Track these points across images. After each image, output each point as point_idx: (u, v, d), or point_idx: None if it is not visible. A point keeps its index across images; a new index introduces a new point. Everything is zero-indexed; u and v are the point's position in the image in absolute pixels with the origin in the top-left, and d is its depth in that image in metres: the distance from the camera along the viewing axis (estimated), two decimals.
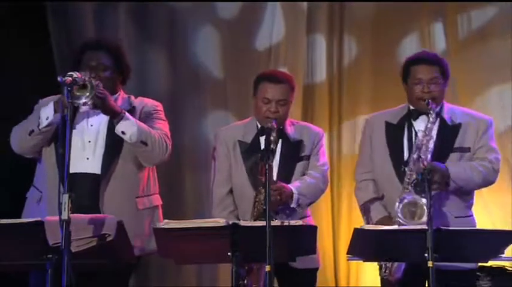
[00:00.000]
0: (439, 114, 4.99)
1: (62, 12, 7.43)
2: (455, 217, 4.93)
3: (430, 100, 4.90)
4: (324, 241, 7.20)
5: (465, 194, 5.02)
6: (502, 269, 6.59)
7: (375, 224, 5.00)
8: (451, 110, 5.12)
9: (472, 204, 5.13)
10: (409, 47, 7.73)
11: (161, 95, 7.38)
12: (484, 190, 6.32)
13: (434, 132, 4.96)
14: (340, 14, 7.96)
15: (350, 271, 7.23)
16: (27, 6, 7.53)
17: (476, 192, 5.87)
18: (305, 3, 7.86)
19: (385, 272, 4.90)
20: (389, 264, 4.87)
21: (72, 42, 7.18)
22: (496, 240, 4.55)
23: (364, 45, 7.90)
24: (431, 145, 4.91)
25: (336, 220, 7.29)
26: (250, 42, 7.75)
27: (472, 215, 5.08)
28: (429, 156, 4.87)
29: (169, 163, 7.00)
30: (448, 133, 5.01)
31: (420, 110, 5.03)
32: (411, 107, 5.09)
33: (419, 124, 5.01)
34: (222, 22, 7.75)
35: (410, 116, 5.08)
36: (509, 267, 6.72)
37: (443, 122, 5.01)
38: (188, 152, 7.16)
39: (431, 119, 4.93)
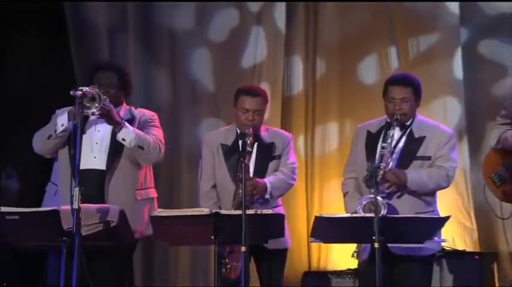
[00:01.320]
0: (408, 127, 4.99)
1: (82, 37, 7.39)
2: (416, 213, 4.84)
3: (398, 117, 4.90)
4: (299, 226, 7.25)
5: (425, 194, 4.98)
6: (455, 252, 6.63)
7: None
8: (421, 123, 5.08)
9: (434, 201, 5.06)
10: (369, 66, 7.79)
11: (163, 105, 7.53)
12: None
13: (401, 143, 4.94)
14: (313, 38, 7.96)
15: (321, 252, 7.21)
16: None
17: None
18: (283, 29, 7.84)
19: (355, 253, 4.93)
20: (357, 248, 4.88)
21: (89, 60, 7.14)
22: (429, 225, 4.61)
23: (333, 64, 7.87)
24: (396, 152, 4.92)
25: (310, 209, 7.30)
26: (237, 61, 7.73)
27: (433, 211, 5.01)
28: (390, 162, 4.86)
29: (170, 162, 7.13)
30: (413, 143, 4.97)
31: (391, 124, 5.02)
32: (388, 120, 5.06)
33: (396, 132, 4.99)
34: (213, 45, 7.74)
35: (387, 127, 5.03)
36: (447, 247, 6.64)
37: (410, 133, 4.99)
38: (185, 153, 7.14)
39: (392, 131, 4.93)
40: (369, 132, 5.11)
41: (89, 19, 7.44)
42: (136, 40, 7.57)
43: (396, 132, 4.92)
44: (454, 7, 7.47)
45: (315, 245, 7.16)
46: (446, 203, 6.92)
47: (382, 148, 4.89)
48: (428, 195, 4.94)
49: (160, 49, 7.68)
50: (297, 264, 7.22)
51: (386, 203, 4.71)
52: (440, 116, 7.40)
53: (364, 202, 4.75)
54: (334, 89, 7.42)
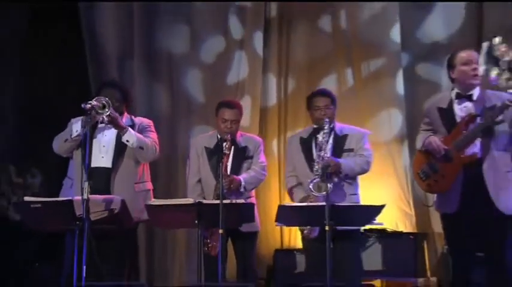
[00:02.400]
0: (332, 129, 5.09)
1: (97, 59, 7.38)
2: (350, 195, 5.05)
3: (326, 119, 5.01)
4: (273, 213, 6.94)
5: (352, 179, 5.11)
6: (383, 231, 6.61)
7: (299, 202, 5.06)
8: (341, 127, 5.20)
9: (357, 185, 5.21)
10: (330, 83, 7.76)
11: (163, 115, 7.52)
12: (377, 175, 6.74)
13: (331, 140, 5.04)
14: (286, 60, 8.00)
15: (291, 234, 7.22)
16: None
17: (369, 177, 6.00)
18: (261, 53, 7.85)
19: (307, 232, 4.98)
20: (308, 228, 4.95)
21: (103, 78, 7.14)
22: (369, 212, 4.67)
23: (301, 81, 7.91)
24: (329, 147, 5.00)
25: (281, 198, 7.28)
26: (223, 79, 7.73)
27: (357, 193, 5.18)
28: (329, 153, 4.96)
29: (168, 161, 7.26)
30: (340, 140, 5.09)
31: (319, 127, 5.09)
32: (315, 126, 5.17)
33: (321, 137, 5.05)
34: (204, 66, 7.73)
35: (316, 132, 5.13)
36: (389, 229, 6.79)
37: (335, 134, 5.10)
38: (181, 154, 7.08)
39: (325, 131, 5.00)
40: (301, 138, 5.23)
41: (102, 45, 7.41)
42: (140, 61, 7.50)
43: (323, 135, 5.01)
44: (397, 37, 7.52)
45: (286, 228, 7.10)
46: (391, 194, 7.16)
47: (319, 148, 4.96)
48: (354, 180, 5.11)
49: (160, 69, 7.64)
50: (271, 243, 7.26)
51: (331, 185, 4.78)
52: (386, 124, 7.54)
53: (314, 181, 4.85)
54: (302, 101, 7.07)
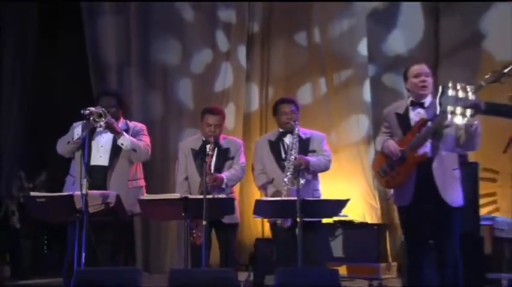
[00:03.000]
0: (297, 133, 5.12)
1: (98, 69, 7.32)
2: (313, 190, 5.12)
3: (293, 123, 5.10)
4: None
5: (315, 178, 5.19)
6: (350, 222, 6.65)
7: (271, 196, 5.13)
8: (303, 131, 5.23)
9: (319, 183, 5.27)
10: (306, 91, 7.84)
11: (157, 119, 7.48)
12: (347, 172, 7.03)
13: (297, 142, 5.07)
14: (266, 71, 8.04)
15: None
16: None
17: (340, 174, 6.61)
18: (245, 64, 7.88)
19: (280, 222, 5.02)
20: (281, 219, 5.00)
21: (103, 86, 7.15)
22: (336, 205, 4.75)
23: (280, 89, 7.91)
24: (296, 148, 5.04)
25: (262, 194, 7.27)
26: (211, 88, 7.72)
27: (319, 189, 5.25)
28: (297, 155, 5.00)
29: (161, 161, 7.17)
30: (304, 143, 5.15)
31: (287, 131, 5.18)
32: (281, 130, 5.24)
33: (287, 139, 5.17)
34: (194, 75, 7.72)
35: (282, 135, 5.23)
36: (356, 220, 6.80)
37: (300, 137, 5.13)
38: (172, 155, 6.75)
39: (295, 134, 5.08)
40: (270, 141, 5.28)
41: (103, 57, 7.37)
42: (137, 71, 7.46)
43: (288, 138, 5.12)
44: (364, 51, 7.54)
45: (266, 221, 7.01)
46: (359, 189, 7.18)
47: (291, 149, 5.03)
48: (316, 179, 5.18)
49: (154, 78, 7.60)
50: (253, 233, 7.31)
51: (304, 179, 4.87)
52: (355, 128, 7.57)
53: (288, 177, 4.92)
54: None
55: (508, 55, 6.70)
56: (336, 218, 6.22)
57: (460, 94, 2.46)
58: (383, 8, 7.74)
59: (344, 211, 5.83)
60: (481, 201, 6.55)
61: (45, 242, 7.38)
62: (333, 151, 7.32)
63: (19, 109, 7.37)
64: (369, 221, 6.97)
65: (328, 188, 5.96)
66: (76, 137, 4.76)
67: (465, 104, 2.40)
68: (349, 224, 6.63)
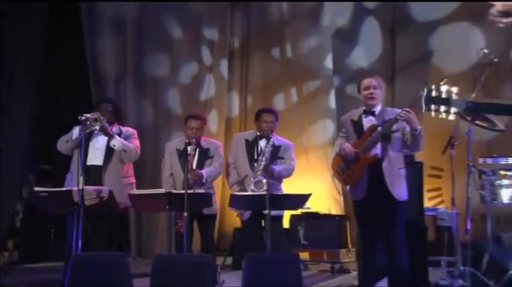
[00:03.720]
0: (272, 143, 5.11)
1: (98, 79, 7.37)
2: (277, 189, 5.09)
3: (270, 131, 5.14)
4: None
5: (279, 180, 5.23)
6: (315, 214, 6.62)
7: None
8: (276, 138, 5.22)
9: (281, 182, 5.28)
10: (279, 99, 7.88)
11: (149, 125, 7.54)
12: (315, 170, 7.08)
13: (270, 151, 5.07)
14: (245, 81, 8.10)
15: None
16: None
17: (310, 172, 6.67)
18: (226, 75, 7.93)
19: (238, 214, 5.18)
20: (242, 211, 5.11)
21: (102, 95, 7.17)
22: (300, 199, 4.80)
23: (257, 97, 8.00)
24: (268, 156, 5.04)
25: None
26: (197, 96, 7.75)
27: (281, 188, 5.25)
28: (268, 160, 5.01)
29: (152, 161, 7.12)
30: (275, 150, 5.15)
31: (262, 135, 5.21)
32: (258, 133, 5.26)
33: (262, 143, 5.18)
34: (181, 86, 7.77)
35: (258, 138, 5.24)
36: (321, 212, 6.80)
37: (273, 144, 5.12)
38: (162, 155, 6.47)
39: (271, 141, 5.09)
40: (246, 140, 5.30)
41: (102, 69, 7.39)
42: (132, 82, 7.52)
43: (263, 142, 5.15)
44: (330, 64, 7.61)
45: None
46: (325, 185, 7.23)
47: (263, 155, 5.05)
48: (280, 180, 5.22)
49: (147, 88, 7.65)
50: (233, 222, 7.20)
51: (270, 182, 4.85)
52: (322, 132, 7.62)
53: (255, 180, 4.97)
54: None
55: (452, 68, 6.84)
56: (303, 210, 6.26)
57: (444, 95, 2.51)
58: (346, 28, 7.80)
59: (312, 204, 5.93)
60: (429, 195, 6.65)
61: (52, 231, 7.33)
62: (303, 151, 7.54)
63: (29, 111, 7.30)
64: (333, 213, 6.97)
65: (298, 183, 6.04)
66: (74, 136, 4.79)
67: (449, 104, 2.46)
68: (314, 215, 6.63)
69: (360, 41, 7.75)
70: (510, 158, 4.64)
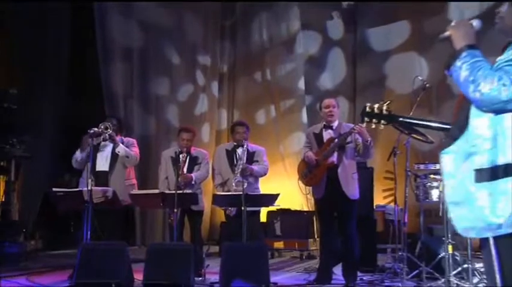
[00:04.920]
0: (246, 149, 5.03)
1: (110, 98, 7.22)
2: (255, 188, 5.00)
3: (243, 141, 5.01)
4: None
5: (257, 179, 5.10)
6: (288, 210, 6.67)
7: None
8: (250, 146, 5.12)
9: (258, 183, 5.13)
10: (261, 115, 8.06)
11: (151, 136, 7.50)
12: (291, 174, 6.92)
13: (245, 155, 4.99)
14: (232, 99, 8.29)
15: None
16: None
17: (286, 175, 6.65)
18: (217, 94, 8.05)
19: (229, 211, 4.96)
20: (229, 209, 4.97)
21: (114, 111, 7.03)
22: (270, 198, 4.80)
23: (243, 113, 8.14)
24: (244, 159, 4.96)
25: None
26: (192, 112, 7.86)
27: (258, 187, 5.11)
28: (245, 165, 4.93)
29: (154, 166, 6.78)
30: (250, 155, 5.06)
31: (238, 145, 5.06)
32: (235, 143, 5.10)
33: (239, 151, 5.04)
34: (179, 103, 7.82)
35: (235, 147, 5.09)
36: (293, 208, 6.76)
37: (248, 151, 5.04)
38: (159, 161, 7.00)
39: (244, 148, 5.00)
40: (226, 150, 5.18)
41: (114, 89, 7.29)
42: (138, 100, 7.48)
43: (240, 150, 5.05)
44: (302, 86, 7.74)
45: None
46: (298, 186, 7.35)
47: (240, 159, 4.97)
48: (257, 180, 5.12)
49: (150, 105, 7.60)
50: (220, 217, 7.09)
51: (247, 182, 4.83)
52: (296, 142, 7.68)
53: (236, 181, 4.86)
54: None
55: (401, 90, 6.91)
56: (278, 207, 6.26)
57: (376, 110, 2.57)
58: (316, 56, 7.97)
59: (287, 202, 6.00)
60: (384, 194, 6.82)
61: (72, 224, 7.22)
62: (280, 158, 7.67)
63: (53, 123, 7.20)
64: (304, 209, 6.88)
65: (276, 185, 6.20)
66: (79, 158, 4.85)
67: (379, 117, 2.53)
68: (287, 211, 6.68)
69: (327, 66, 7.91)
70: (438, 164, 4.74)
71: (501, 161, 1.91)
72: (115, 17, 7.22)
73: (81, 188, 4.55)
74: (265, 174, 5.20)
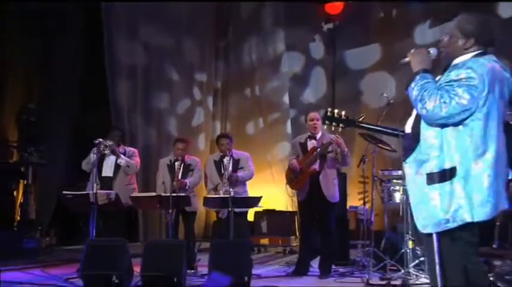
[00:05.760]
0: (231, 156, 5.04)
1: (116, 112, 7.14)
2: (243, 191, 4.97)
3: (228, 151, 5.00)
4: None
5: (245, 184, 5.08)
6: (273, 210, 6.74)
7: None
8: (235, 153, 5.10)
9: (246, 187, 5.09)
10: (251, 127, 8.08)
11: (153, 145, 7.40)
12: (278, 178, 6.92)
13: (230, 165, 4.99)
14: (225, 113, 8.31)
15: None
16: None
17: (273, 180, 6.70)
18: (211, 108, 8.08)
19: (221, 214, 4.95)
20: (221, 212, 4.95)
21: (118, 122, 6.97)
22: (253, 200, 4.79)
23: (234, 126, 8.18)
24: (230, 169, 4.96)
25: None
26: (190, 123, 7.87)
27: (246, 191, 5.08)
28: (230, 170, 4.94)
29: (155, 172, 6.70)
30: (236, 162, 5.03)
31: (224, 155, 5.03)
32: (221, 154, 5.05)
33: (225, 160, 5.01)
34: (178, 115, 7.81)
35: (222, 157, 5.04)
36: (277, 209, 6.78)
37: (233, 158, 5.03)
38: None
39: (229, 158, 5.00)
40: (214, 160, 5.15)
41: (120, 103, 7.19)
42: (141, 113, 7.43)
43: (226, 159, 5.05)
44: (287, 100, 7.79)
45: None
46: (283, 189, 6.99)
47: (227, 169, 4.97)
48: (244, 184, 5.10)
49: (152, 118, 7.54)
50: (212, 217, 6.92)
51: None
52: (281, 150, 7.74)
53: (224, 190, 4.87)
54: (235, 138, 6.91)
55: (374, 105, 6.80)
56: (264, 208, 6.37)
57: (335, 115, 2.58)
58: (300, 74, 8.06)
59: (273, 204, 6.02)
60: (359, 196, 6.88)
61: (82, 222, 6.86)
62: (267, 165, 7.70)
63: (66, 131, 7.16)
64: (287, 210, 6.79)
65: (264, 188, 6.23)
66: (92, 159, 4.89)
67: (338, 121, 2.64)
68: (272, 212, 6.76)
69: (309, 83, 8.00)
70: (400, 171, 4.84)
71: (447, 165, 2.04)
72: (121, 40, 7.26)
73: (87, 191, 4.61)
74: (251, 178, 5.17)
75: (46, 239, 6.50)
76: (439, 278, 2.04)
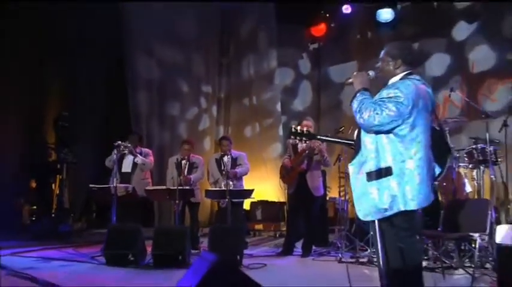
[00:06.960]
0: (231, 155, 5.07)
1: (136, 118, 7.01)
2: (239, 185, 5.02)
3: (228, 152, 5.04)
4: None
5: (241, 179, 5.11)
6: (266, 201, 6.75)
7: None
8: (233, 153, 5.11)
9: (242, 182, 5.07)
10: (248, 131, 8.01)
11: (166, 146, 7.26)
12: (272, 174, 6.85)
13: (229, 163, 5.01)
14: (227, 119, 8.28)
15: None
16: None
17: (267, 175, 6.61)
18: (215, 115, 8.06)
19: (222, 203, 4.91)
20: (221, 201, 4.93)
21: (137, 127, 6.87)
22: (246, 192, 4.86)
23: (235, 129, 8.08)
24: (229, 166, 4.97)
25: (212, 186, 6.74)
26: (196, 129, 7.76)
27: (243, 185, 5.09)
28: (229, 167, 4.93)
29: (166, 168, 6.35)
30: (234, 160, 5.06)
31: (224, 154, 5.07)
32: (222, 153, 5.09)
33: (225, 158, 5.06)
34: (188, 121, 7.69)
35: (222, 156, 5.09)
36: (270, 200, 6.82)
37: (232, 157, 5.06)
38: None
39: (228, 157, 5.05)
40: (216, 158, 5.19)
41: (138, 110, 7.10)
42: (157, 118, 7.32)
43: (226, 158, 5.07)
44: (279, 108, 7.78)
45: None
46: (276, 183, 6.68)
47: (226, 166, 4.97)
48: (241, 179, 5.12)
49: (166, 124, 7.45)
50: (214, 207, 7.03)
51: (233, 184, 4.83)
52: (275, 151, 7.73)
53: (224, 182, 4.83)
54: (235, 140, 6.42)
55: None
56: (258, 199, 6.44)
57: (299, 131, 2.61)
58: (290, 86, 8.08)
59: (266, 195, 6.00)
60: (341, 189, 6.92)
61: (107, 210, 7.15)
62: (263, 163, 7.64)
63: (93, 135, 7.17)
64: (278, 201, 6.87)
65: (259, 183, 6.25)
66: (113, 158, 4.85)
67: (301, 135, 2.62)
68: (265, 202, 6.80)
69: (298, 94, 8.06)
70: None
71: (383, 165, 2.18)
72: (140, 57, 7.29)
73: (109, 185, 4.69)
74: (247, 173, 5.20)
75: (78, 224, 6.66)
76: (381, 258, 2.16)
